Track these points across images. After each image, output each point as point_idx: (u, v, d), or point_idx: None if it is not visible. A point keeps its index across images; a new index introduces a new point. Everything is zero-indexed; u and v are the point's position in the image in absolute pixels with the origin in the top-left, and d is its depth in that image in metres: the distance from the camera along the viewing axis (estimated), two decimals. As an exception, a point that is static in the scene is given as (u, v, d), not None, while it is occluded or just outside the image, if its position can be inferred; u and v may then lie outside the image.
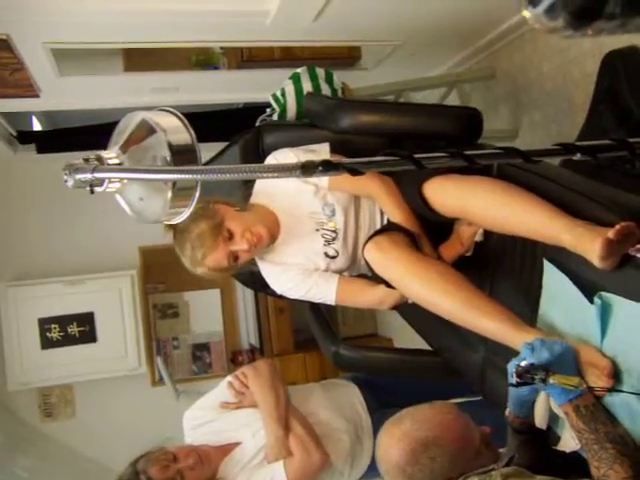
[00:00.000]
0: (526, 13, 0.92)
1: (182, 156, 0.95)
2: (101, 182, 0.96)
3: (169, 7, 2.58)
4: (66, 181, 0.95)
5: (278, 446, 2.00)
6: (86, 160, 0.96)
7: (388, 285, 1.74)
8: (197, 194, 0.97)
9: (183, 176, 0.92)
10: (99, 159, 0.98)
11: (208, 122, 4.12)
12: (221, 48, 3.78)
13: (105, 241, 4.51)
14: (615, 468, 1.20)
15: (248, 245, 1.82)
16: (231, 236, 1.81)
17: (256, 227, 1.84)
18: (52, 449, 4.44)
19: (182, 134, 0.98)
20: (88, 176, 0.94)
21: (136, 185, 1.02)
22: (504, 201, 1.56)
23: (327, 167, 0.86)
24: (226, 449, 2.07)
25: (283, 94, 2.30)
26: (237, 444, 2.08)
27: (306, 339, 4.17)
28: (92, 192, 0.97)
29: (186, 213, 1.02)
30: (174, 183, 0.95)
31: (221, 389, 2.19)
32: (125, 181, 1.00)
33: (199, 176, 0.91)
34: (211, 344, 4.93)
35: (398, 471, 1.37)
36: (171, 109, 1.03)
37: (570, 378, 1.26)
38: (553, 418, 1.43)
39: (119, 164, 0.99)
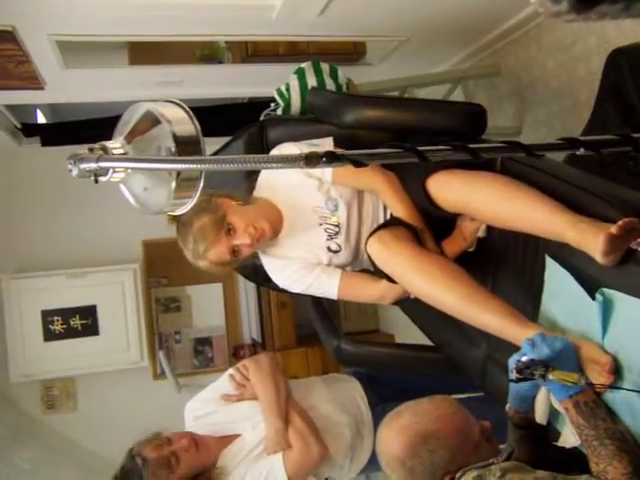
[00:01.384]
0: (531, -3, 0.92)
1: (186, 147, 0.96)
2: (105, 172, 0.97)
3: (174, 1, 2.58)
4: (71, 170, 0.96)
5: (277, 438, 2.00)
6: (91, 150, 0.97)
7: (390, 280, 1.74)
8: (201, 185, 0.98)
9: (187, 166, 0.92)
10: (104, 149, 0.98)
11: (212, 116, 4.12)
12: (226, 42, 3.79)
13: (108, 234, 4.53)
14: (614, 464, 1.20)
15: (250, 240, 1.82)
16: (233, 230, 1.82)
17: (259, 222, 1.84)
18: (54, 441, 4.46)
19: (187, 125, 0.98)
20: (93, 165, 0.94)
21: (140, 175, 1.02)
22: (507, 196, 1.56)
23: (331, 158, 0.86)
24: (226, 440, 2.07)
25: (288, 89, 2.30)
26: (237, 436, 2.09)
27: (308, 334, 4.17)
28: (96, 181, 0.98)
29: (190, 204, 1.02)
30: (178, 173, 0.96)
31: (223, 381, 2.19)
32: (129, 171, 1.00)
33: (203, 166, 0.91)
34: (213, 338, 4.95)
35: (398, 464, 1.38)
36: (176, 100, 1.03)
37: (570, 374, 1.26)
38: (553, 414, 1.44)
39: (124, 154, 0.99)
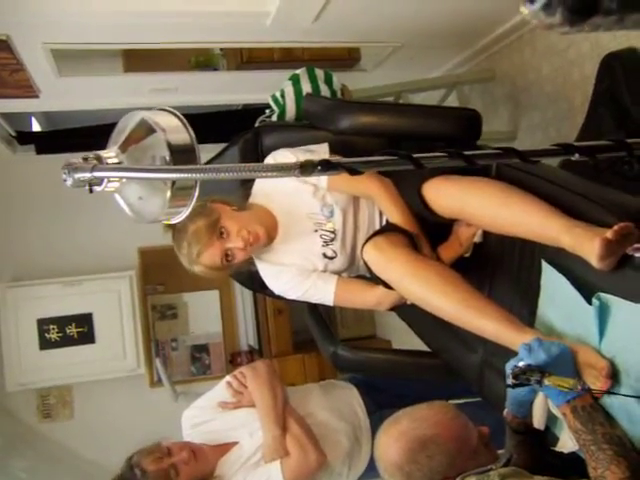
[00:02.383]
0: (524, 9, 0.92)
1: (181, 156, 0.95)
2: (100, 181, 0.97)
3: (169, 8, 2.58)
4: (65, 180, 0.95)
5: (275, 446, 1.99)
6: (85, 159, 0.96)
7: (386, 286, 1.74)
8: (196, 193, 0.98)
9: (182, 175, 0.92)
10: (98, 158, 0.98)
11: (207, 123, 4.12)
12: (221, 49, 3.78)
13: (104, 242, 4.51)
14: (612, 469, 1.20)
15: (243, 243, 1.81)
16: (226, 234, 1.81)
17: (253, 226, 1.84)
18: (50, 450, 4.44)
19: (181, 134, 0.98)
20: (87, 175, 0.94)
21: (135, 184, 1.02)
22: (502, 202, 1.56)
23: (326, 166, 0.86)
24: (224, 448, 2.06)
25: (282, 95, 2.30)
26: (235, 443, 2.07)
27: (305, 340, 4.17)
28: (91, 191, 0.97)
29: (185, 212, 1.02)
30: (173, 182, 0.95)
31: (220, 389, 2.18)
32: (124, 180, 1.00)
33: (198, 175, 0.91)
34: (210, 345, 4.94)
35: (396, 470, 1.37)
36: (170, 109, 1.03)
37: (566, 379, 1.26)
38: (551, 419, 1.44)
39: (118, 163, 0.99)
